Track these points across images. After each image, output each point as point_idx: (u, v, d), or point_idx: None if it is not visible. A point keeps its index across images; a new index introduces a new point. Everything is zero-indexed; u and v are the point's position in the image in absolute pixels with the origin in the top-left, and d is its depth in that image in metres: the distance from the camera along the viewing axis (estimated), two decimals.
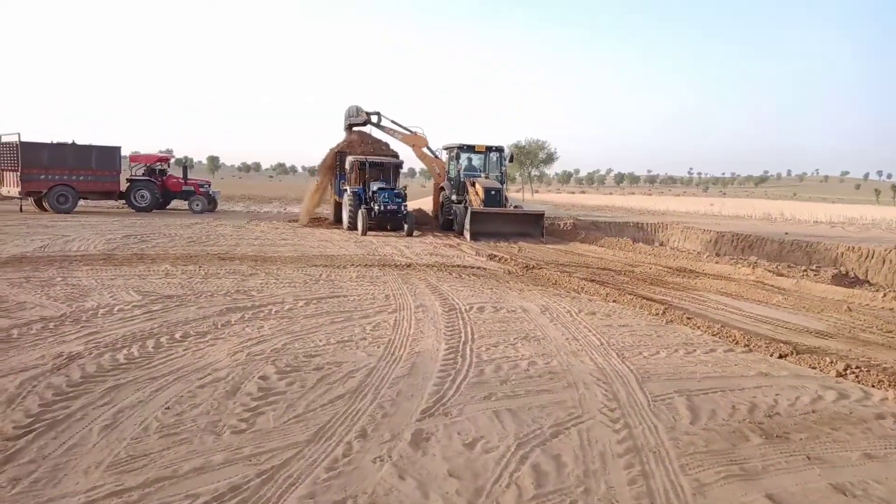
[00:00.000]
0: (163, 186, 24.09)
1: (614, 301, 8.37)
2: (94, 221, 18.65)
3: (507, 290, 9.05)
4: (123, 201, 23.49)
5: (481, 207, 17.46)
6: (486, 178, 19.54)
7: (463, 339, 6.07)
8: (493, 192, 18.19)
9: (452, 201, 19.75)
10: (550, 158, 62.99)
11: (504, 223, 17.59)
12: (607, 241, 17.21)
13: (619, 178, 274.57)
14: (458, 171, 19.69)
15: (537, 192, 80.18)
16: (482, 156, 20.87)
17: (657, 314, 7.58)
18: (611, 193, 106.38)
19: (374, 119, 20.93)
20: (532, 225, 17.71)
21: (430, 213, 21.61)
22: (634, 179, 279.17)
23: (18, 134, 20.44)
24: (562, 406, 4.31)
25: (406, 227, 17.85)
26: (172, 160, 25.46)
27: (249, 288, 8.47)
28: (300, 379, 4.67)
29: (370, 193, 18.32)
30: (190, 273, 9.55)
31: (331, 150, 22.27)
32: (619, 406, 4.36)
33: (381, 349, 5.63)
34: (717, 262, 12.88)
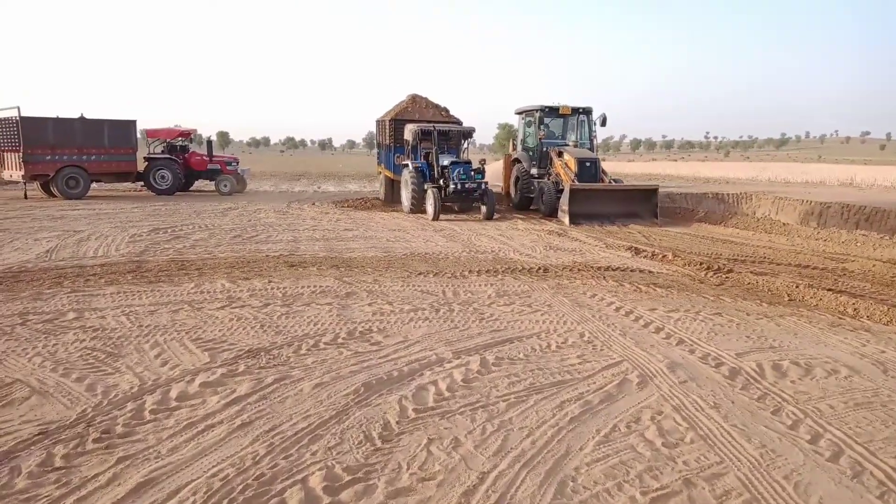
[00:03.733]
0: (185, 165, 21.06)
1: None
2: (111, 209, 15.72)
3: (746, 316, 5.97)
4: (141, 183, 20.54)
5: (577, 183, 14.27)
6: (575, 146, 16.29)
7: None
8: (587, 164, 14.98)
9: (532, 176, 16.56)
10: None
11: (607, 202, 14.39)
12: (740, 221, 14.04)
13: (636, 144, 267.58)
14: (539, 140, 16.42)
15: None
16: (563, 121, 17.59)
17: None
18: (631, 160, 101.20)
19: None
20: (642, 203, 14.50)
21: (501, 190, 18.40)
22: (651, 145, 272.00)
23: (18, 108, 17.42)
24: None
25: (485, 209, 14.74)
26: (194, 134, 22.36)
27: (364, 325, 5.46)
28: None
29: (438, 169, 15.16)
30: (260, 295, 6.55)
31: (381, 119, 19.10)
32: None
33: None
34: None
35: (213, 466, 3.00)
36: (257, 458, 3.09)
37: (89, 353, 4.65)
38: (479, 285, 7.25)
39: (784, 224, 13.38)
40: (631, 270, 8.26)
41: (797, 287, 7.13)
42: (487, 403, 3.81)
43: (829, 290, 7.09)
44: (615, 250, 10.09)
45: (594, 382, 4.17)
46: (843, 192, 26.93)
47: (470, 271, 8.07)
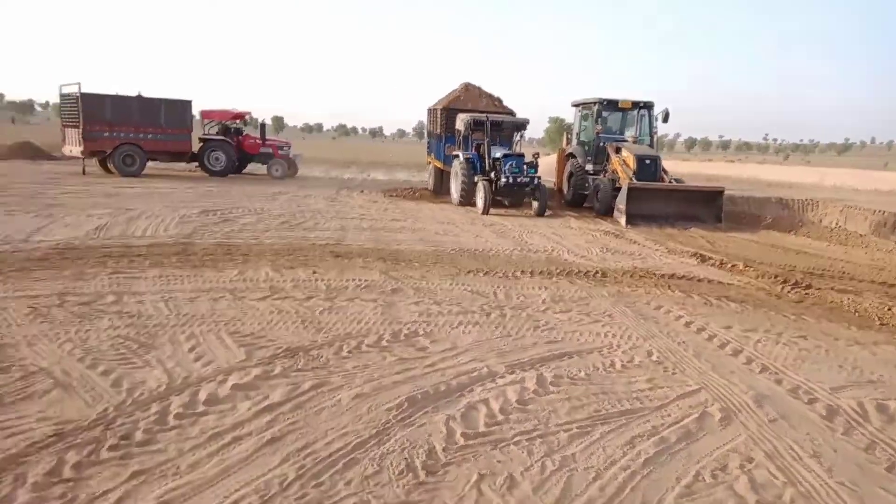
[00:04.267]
0: (239, 148, 21.12)
1: None
2: (166, 188, 15.83)
3: (834, 341, 5.31)
4: (196, 164, 20.70)
5: (637, 182, 13.53)
6: (634, 142, 15.51)
7: None
8: (647, 162, 14.20)
9: (587, 172, 15.86)
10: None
11: (668, 203, 13.59)
12: (812, 230, 13.10)
13: (691, 142, 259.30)
14: (597, 135, 15.70)
15: None
16: (622, 115, 16.79)
17: None
18: (686, 160, 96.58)
19: None
20: (705, 206, 13.65)
21: (553, 186, 17.74)
22: (706, 145, 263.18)
23: (79, 84, 17.73)
24: None
25: (537, 204, 14.17)
26: (248, 116, 22.39)
27: (409, 326, 5.07)
28: None
29: (490, 161, 14.65)
30: (304, 287, 6.24)
31: (432, 108, 18.68)
32: None
33: None
34: None
35: (235, 491, 2.65)
36: (285, 483, 2.73)
37: (121, 343, 4.40)
38: (533, 288, 6.77)
39: (861, 235, 12.35)
40: (698, 280, 7.62)
41: (889, 310, 6.38)
42: (546, 432, 3.35)
43: None
44: (678, 256, 9.41)
45: (669, 415, 3.66)
46: None
47: (522, 272, 7.59)
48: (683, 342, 5.08)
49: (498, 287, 6.71)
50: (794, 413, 3.77)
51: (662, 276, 7.76)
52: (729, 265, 8.63)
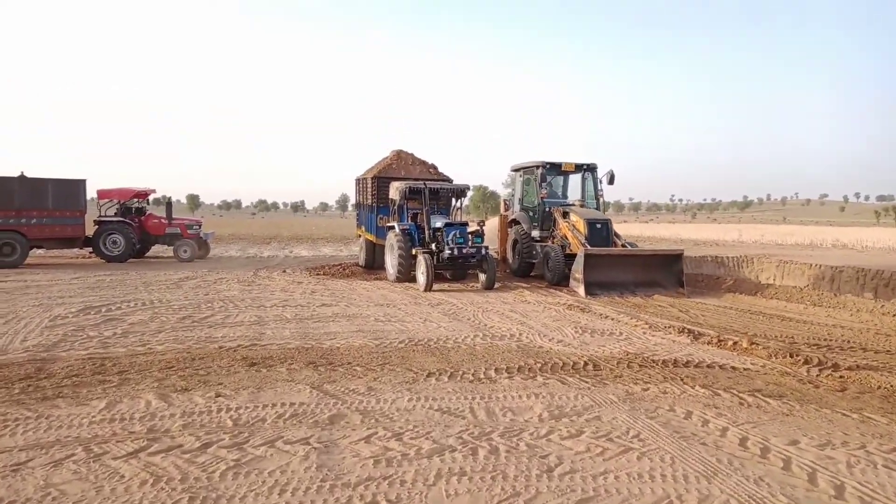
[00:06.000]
0: (141, 229, 18.79)
1: None
2: (47, 280, 13.31)
3: None
4: (90, 249, 18.15)
5: (593, 248, 12.42)
6: (582, 206, 14.56)
7: None
8: (598, 226, 13.24)
9: (534, 239, 14.72)
10: None
11: (626, 269, 12.52)
12: (779, 291, 12.30)
13: (605, 206, 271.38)
14: (542, 199, 14.66)
15: None
16: (564, 178, 16.00)
17: None
18: None
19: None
20: (664, 270, 12.66)
21: (497, 255, 16.46)
22: (619, 207, 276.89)
23: None
24: None
25: (484, 277, 12.75)
26: (152, 196, 20.13)
27: (363, 489, 3.29)
28: None
29: (430, 231, 13.22)
30: (200, 424, 4.33)
31: (362, 177, 17.27)
32: None
33: None
34: None
35: None
36: None
37: None
38: (518, 396, 5.14)
39: (835, 295, 11.61)
40: (708, 366, 6.24)
41: None
42: None
43: None
44: (664, 332, 8.08)
45: None
46: (842, 254, 25.71)
47: (496, 370, 5.96)
48: (760, 479, 3.55)
49: (473, 399, 5.03)
50: None
51: (665, 364, 6.33)
52: (730, 343, 7.34)
